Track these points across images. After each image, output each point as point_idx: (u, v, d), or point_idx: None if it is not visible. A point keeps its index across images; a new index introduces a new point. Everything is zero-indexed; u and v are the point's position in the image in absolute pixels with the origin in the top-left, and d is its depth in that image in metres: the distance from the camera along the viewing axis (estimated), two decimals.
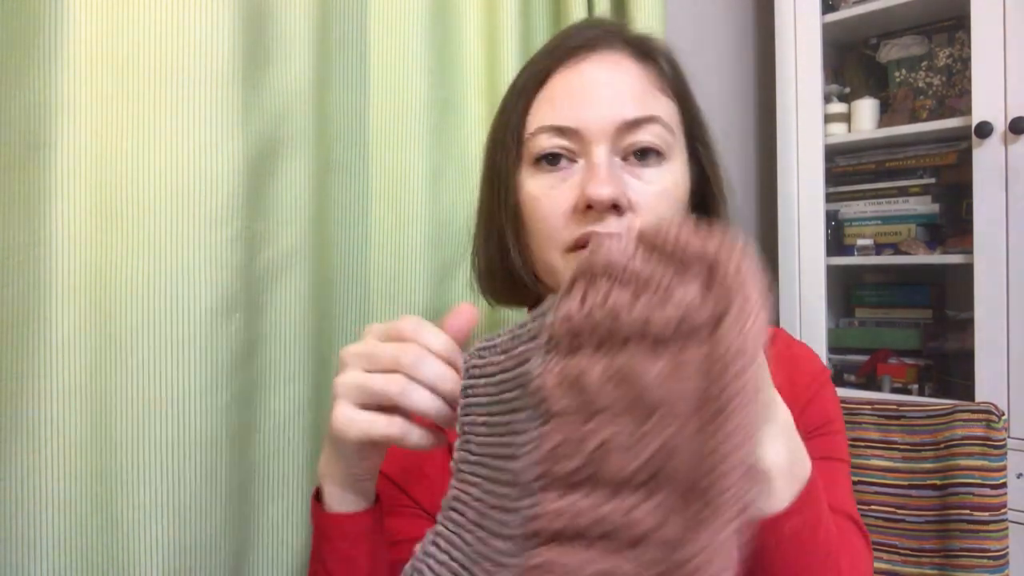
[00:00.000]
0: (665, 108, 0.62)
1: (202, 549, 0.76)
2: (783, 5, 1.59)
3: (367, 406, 0.45)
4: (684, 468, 0.29)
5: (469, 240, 0.74)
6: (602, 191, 0.56)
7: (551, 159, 0.61)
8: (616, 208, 0.58)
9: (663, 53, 0.65)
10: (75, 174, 0.73)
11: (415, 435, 0.45)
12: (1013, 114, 1.29)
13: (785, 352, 0.67)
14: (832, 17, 1.58)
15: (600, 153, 0.59)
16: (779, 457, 0.42)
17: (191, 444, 0.75)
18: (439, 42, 1.01)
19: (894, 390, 1.56)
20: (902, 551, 0.84)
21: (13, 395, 0.69)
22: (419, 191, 0.97)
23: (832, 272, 1.60)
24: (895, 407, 0.85)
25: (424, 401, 0.44)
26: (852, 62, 1.73)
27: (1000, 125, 1.31)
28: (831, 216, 1.64)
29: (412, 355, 0.44)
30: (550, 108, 0.62)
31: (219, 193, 0.76)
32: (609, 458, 0.32)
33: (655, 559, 0.29)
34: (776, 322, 1.62)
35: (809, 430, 0.61)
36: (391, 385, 0.43)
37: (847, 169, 1.67)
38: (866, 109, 1.61)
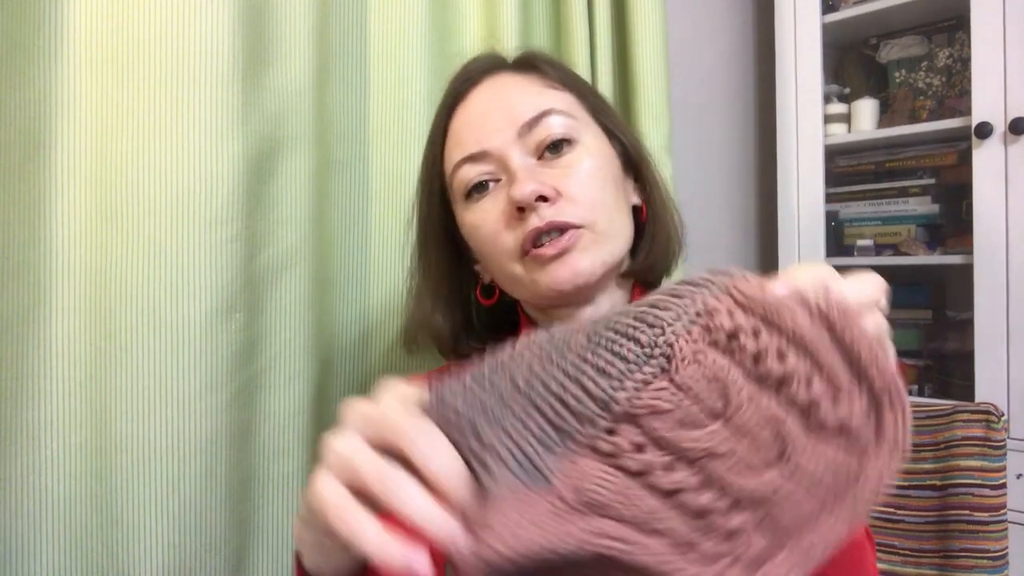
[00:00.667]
0: (557, 99, 0.65)
1: (202, 549, 0.76)
2: (783, 5, 1.59)
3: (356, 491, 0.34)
4: (786, 520, 0.31)
5: None
6: (524, 188, 0.59)
7: (478, 188, 0.64)
8: (545, 200, 0.60)
9: (541, 59, 0.68)
10: (75, 174, 0.73)
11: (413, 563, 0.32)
12: (1013, 114, 1.29)
13: None
14: (832, 17, 1.58)
15: (514, 159, 0.62)
16: None
17: (191, 444, 0.75)
18: (439, 42, 1.01)
19: None
20: (902, 551, 0.84)
21: (13, 395, 0.69)
22: None
23: None
24: None
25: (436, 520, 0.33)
26: (852, 62, 1.73)
27: (1000, 125, 1.31)
28: (831, 216, 1.64)
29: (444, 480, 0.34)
30: (456, 144, 0.65)
31: (219, 193, 0.76)
32: (713, 463, 0.33)
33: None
34: None
35: None
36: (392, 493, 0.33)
37: (847, 169, 1.67)
38: (866, 109, 1.61)
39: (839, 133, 1.62)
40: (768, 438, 0.33)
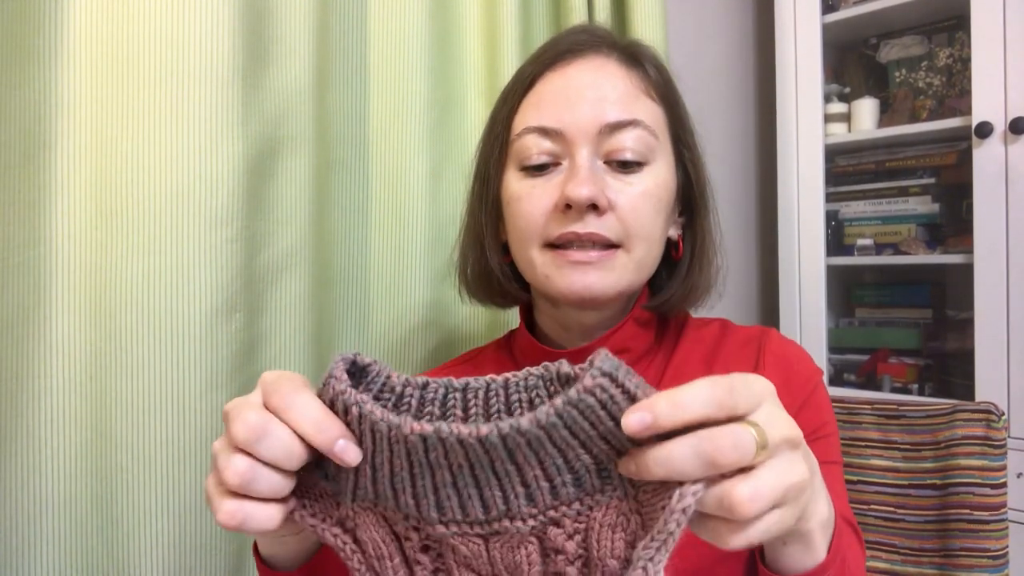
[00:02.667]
0: (649, 112, 0.63)
1: (202, 549, 0.76)
2: (783, 5, 1.59)
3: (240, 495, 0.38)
4: None
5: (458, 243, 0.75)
6: (581, 191, 0.58)
7: (538, 167, 0.63)
8: (595, 208, 0.59)
9: (650, 58, 0.66)
10: (75, 174, 0.73)
11: (252, 518, 0.37)
12: (1013, 114, 1.29)
13: (779, 352, 0.67)
14: (832, 17, 1.58)
15: (582, 155, 0.60)
16: (823, 513, 0.42)
17: (191, 444, 0.75)
18: (439, 42, 1.01)
19: (894, 390, 1.56)
20: (902, 551, 0.84)
21: (13, 395, 0.69)
22: (419, 191, 0.97)
23: (832, 272, 1.60)
24: (895, 407, 0.85)
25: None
26: (852, 62, 1.73)
27: (1000, 125, 1.31)
28: (831, 216, 1.63)
29: (273, 447, 0.36)
30: (535, 110, 0.63)
31: (219, 193, 0.76)
32: None
33: None
34: (777, 321, 1.62)
35: (805, 434, 0.61)
36: (232, 476, 0.36)
37: (847, 169, 1.67)
38: (866, 109, 1.61)
39: (839, 133, 1.62)
40: None
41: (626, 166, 0.61)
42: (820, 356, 1.56)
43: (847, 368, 1.65)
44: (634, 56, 0.65)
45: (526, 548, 0.38)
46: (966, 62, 1.42)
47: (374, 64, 0.97)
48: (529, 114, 0.64)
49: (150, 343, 0.73)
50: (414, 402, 0.38)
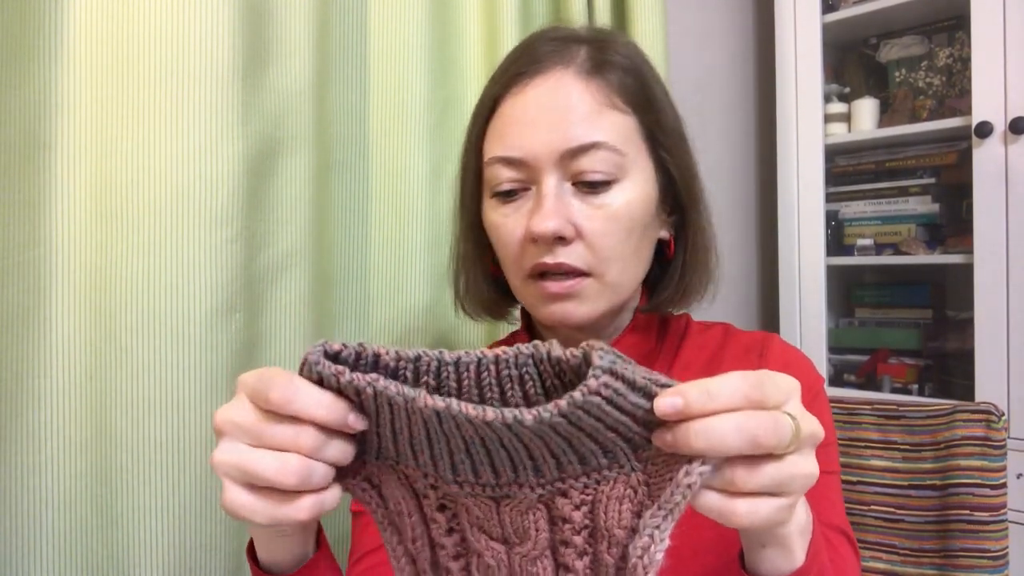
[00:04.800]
0: (613, 126, 0.61)
1: (202, 549, 0.76)
2: (783, 5, 1.59)
3: (257, 489, 0.38)
4: None
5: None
6: (544, 225, 0.58)
7: (507, 194, 0.63)
8: (562, 239, 0.59)
9: (618, 62, 0.63)
10: (75, 174, 0.73)
11: (327, 503, 0.38)
12: (1013, 114, 1.29)
13: (782, 358, 0.67)
14: (832, 17, 1.58)
15: (548, 183, 0.60)
16: (801, 518, 0.42)
17: (191, 444, 0.75)
18: (439, 42, 1.01)
19: (894, 390, 1.56)
20: (902, 551, 0.84)
21: (13, 395, 0.69)
22: (419, 191, 0.97)
23: (832, 272, 1.60)
24: (895, 407, 0.85)
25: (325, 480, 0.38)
26: (852, 62, 1.73)
27: (1000, 125, 1.31)
28: (831, 216, 1.63)
29: (311, 440, 0.36)
30: (499, 139, 0.63)
31: (219, 193, 0.76)
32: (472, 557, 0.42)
33: None
34: (777, 322, 1.62)
35: None
36: (289, 477, 0.36)
37: (847, 169, 1.67)
38: (866, 109, 1.61)
39: (839, 133, 1.62)
40: None
41: (594, 187, 0.60)
42: (820, 356, 1.56)
43: (847, 368, 1.65)
44: (597, 64, 0.62)
45: (534, 514, 0.39)
46: (966, 62, 1.42)
47: (374, 64, 0.97)
48: (493, 143, 0.63)
49: (150, 343, 0.73)
50: (409, 375, 0.38)
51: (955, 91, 1.54)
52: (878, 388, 1.57)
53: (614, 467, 0.37)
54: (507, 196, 0.63)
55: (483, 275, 0.71)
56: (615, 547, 0.37)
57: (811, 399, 0.64)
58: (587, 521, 0.38)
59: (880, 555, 0.85)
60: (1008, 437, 1.26)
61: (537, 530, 0.39)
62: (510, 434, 0.35)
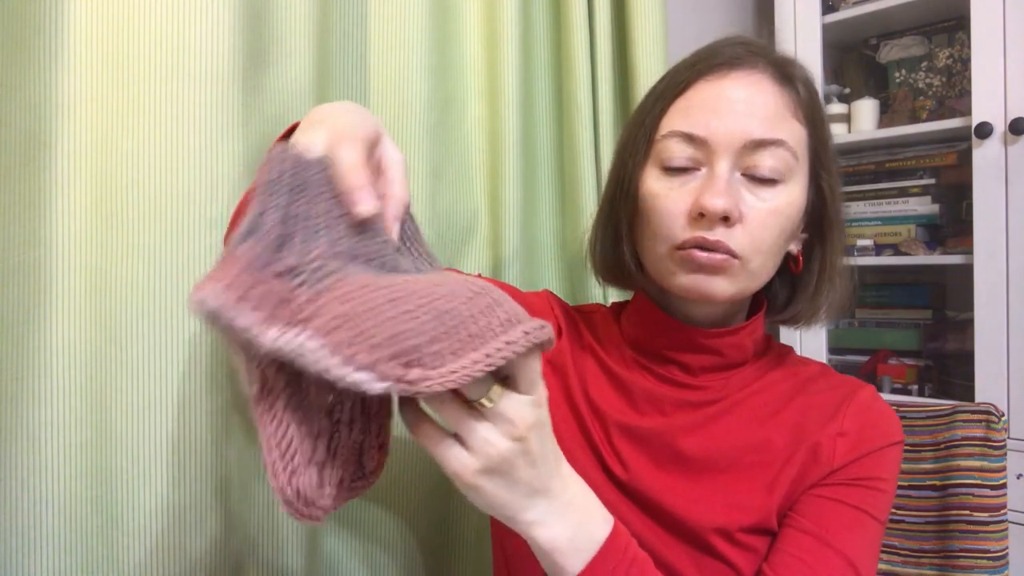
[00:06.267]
0: (793, 132, 0.65)
1: (202, 549, 0.76)
2: (783, 5, 1.59)
3: None
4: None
5: (472, 239, 0.76)
6: (716, 203, 0.61)
7: (678, 170, 0.65)
8: (726, 219, 0.62)
9: (802, 78, 0.68)
10: (75, 174, 0.72)
11: None
12: (1013, 114, 1.29)
13: (867, 404, 0.68)
14: (832, 17, 1.58)
15: (722, 166, 0.63)
16: (557, 535, 0.50)
17: (191, 444, 0.74)
18: (439, 42, 1.01)
19: (894, 391, 1.56)
20: (902, 552, 0.84)
21: (13, 396, 0.69)
22: (419, 191, 0.97)
23: None
24: (895, 408, 0.85)
25: None
26: (852, 62, 1.73)
27: (1000, 125, 1.31)
28: None
29: None
30: (684, 116, 0.65)
31: (219, 193, 0.76)
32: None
33: None
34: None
35: (853, 477, 0.64)
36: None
37: (847, 170, 1.67)
38: (866, 110, 1.61)
39: (839, 133, 1.62)
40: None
41: (763, 181, 0.63)
42: (820, 357, 1.56)
43: (847, 369, 1.65)
44: (787, 75, 0.67)
45: None
46: (966, 62, 1.42)
47: (374, 64, 0.97)
48: (677, 118, 0.66)
49: (150, 343, 0.73)
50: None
51: (955, 92, 1.54)
52: (878, 389, 1.57)
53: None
54: (676, 171, 0.65)
55: (629, 241, 0.72)
56: None
57: (883, 447, 0.65)
58: None
59: (880, 555, 0.85)
60: (1008, 437, 1.26)
61: None
62: None
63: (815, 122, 0.68)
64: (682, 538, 0.63)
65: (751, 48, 0.68)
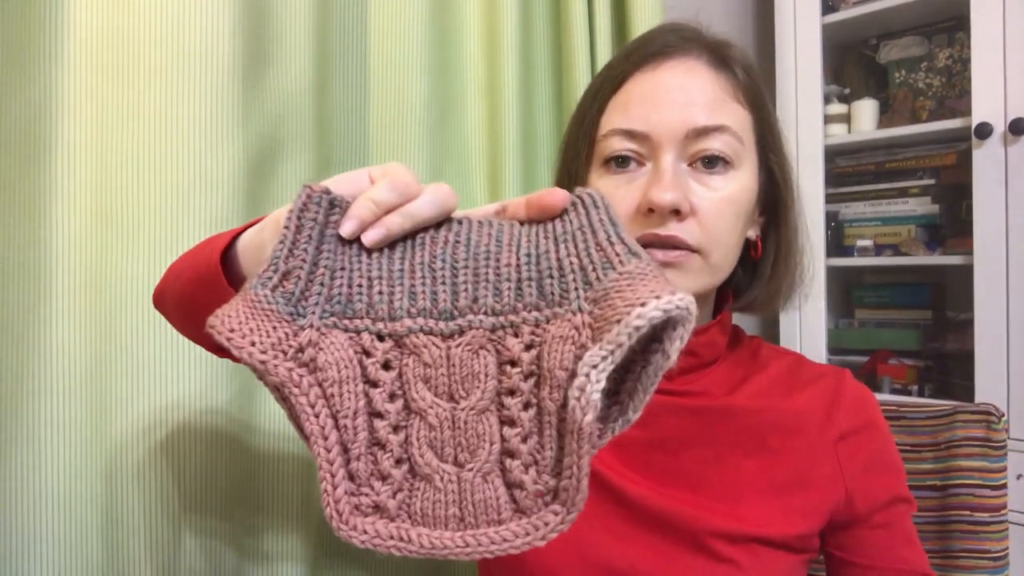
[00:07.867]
0: (736, 117, 0.63)
1: (202, 549, 0.76)
2: (783, 5, 1.59)
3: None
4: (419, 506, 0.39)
5: None
6: (664, 197, 0.59)
7: (620, 161, 0.63)
8: (677, 213, 0.60)
9: (740, 61, 0.66)
10: (75, 174, 0.73)
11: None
12: (1013, 115, 1.29)
13: (857, 395, 0.69)
14: (832, 17, 1.58)
15: (667, 159, 0.61)
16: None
17: (191, 444, 0.75)
18: (439, 42, 1.01)
19: (894, 391, 1.56)
20: None
21: (13, 395, 0.69)
22: None
23: (832, 273, 1.60)
24: (895, 408, 0.85)
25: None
26: (852, 63, 1.73)
27: (1000, 126, 1.31)
28: (831, 217, 1.63)
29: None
30: (623, 112, 0.64)
31: (219, 193, 0.76)
32: (417, 424, 0.41)
33: None
34: (777, 322, 1.62)
35: (881, 502, 0.66)
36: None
37: (847, 170, 1.67)
38: (866, 110, 1.61)
39: (839, 133, 1.62)
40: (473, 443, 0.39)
41: (711, 165, 0.62)
42: (820, 357, 1.56)
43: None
44: (724, 58, 0.65)
45: (484, 357, 0.40)
46: (966, 63, 1.42)
47: (374, 64, 0.97)
48: (616, 115, 0.64)
49: (150, 343, 0.73)
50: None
51: (955, 92, 1.54)
52: (878, 389, 1.57)
53: (564, 302, 0.39)
54: (620, 165, 0.63)
55: None
56: (556, 391, 0.37)
57: (884, 437, 0.67)
58: (534, 367, 0.39)
59: None
60: (1008, 438, 1.26)
61: (486, 375, 0.39)
62: (481, 233, 0.40)
63: (758, 105, 0.66)
64: (682, 544, 0.62)
65: (684, 34, 0.66)
